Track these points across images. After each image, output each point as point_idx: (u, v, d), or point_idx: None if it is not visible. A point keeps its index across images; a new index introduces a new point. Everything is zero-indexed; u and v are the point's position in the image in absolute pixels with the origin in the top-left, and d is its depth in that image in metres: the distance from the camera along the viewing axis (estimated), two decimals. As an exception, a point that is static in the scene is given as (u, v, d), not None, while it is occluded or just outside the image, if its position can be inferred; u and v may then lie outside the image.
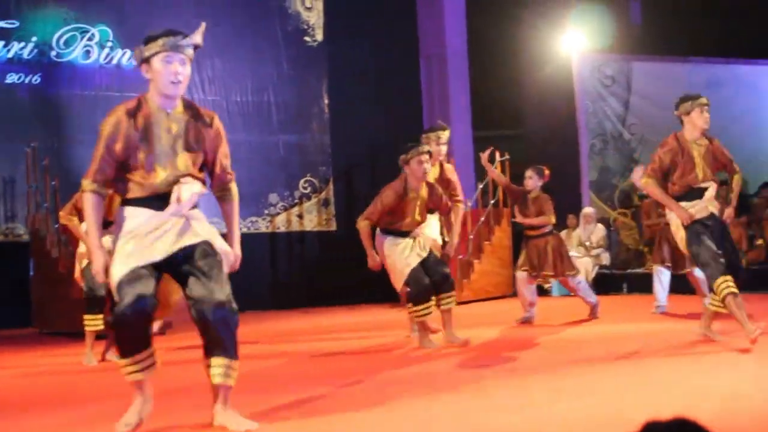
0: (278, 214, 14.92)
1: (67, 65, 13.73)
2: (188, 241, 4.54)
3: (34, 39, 13.55)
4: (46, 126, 13.44)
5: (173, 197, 4.51)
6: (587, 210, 15.23)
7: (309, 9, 15.49)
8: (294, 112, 15.24)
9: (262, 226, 14.73)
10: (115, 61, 13.90)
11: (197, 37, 4.66)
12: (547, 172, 10.18)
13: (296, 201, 15.11)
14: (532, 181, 10.08)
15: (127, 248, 4.47)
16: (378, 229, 8.12)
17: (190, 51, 4.63)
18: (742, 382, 5.31)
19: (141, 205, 4.55)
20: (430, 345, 7.82)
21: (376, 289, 13.63)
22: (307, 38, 15.49)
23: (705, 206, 6.93)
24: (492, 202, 14.68)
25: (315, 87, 15.43)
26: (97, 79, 13.75)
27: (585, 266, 14.27)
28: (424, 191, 8.01)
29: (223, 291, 4.48)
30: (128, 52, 13.72)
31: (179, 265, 4.54)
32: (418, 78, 16.57)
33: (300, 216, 15.11)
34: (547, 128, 17.47)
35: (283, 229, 14.98)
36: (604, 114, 17.02)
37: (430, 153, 8.01)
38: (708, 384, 5.33)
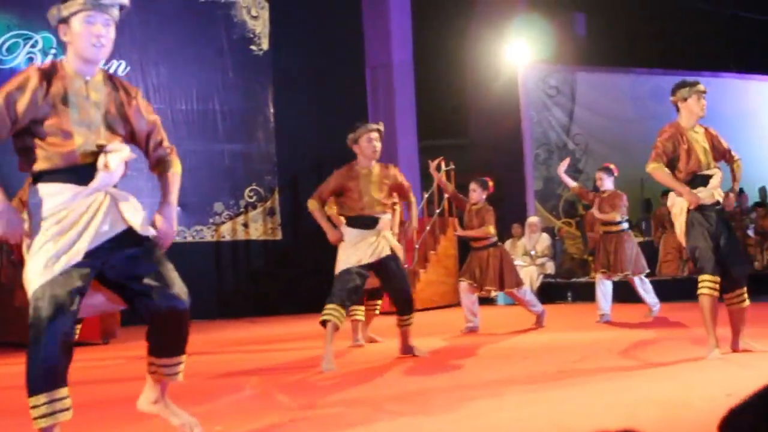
0: (223, 223, 14.85)
1: (10, 72, 13.53)
2: (118, 228, 4.02)
3: (-25, 45, 13.42)
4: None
5: (100, 163, 3.98)
6: (532, 219, 15.34)
7: (255, 18, 15.44)
8: (239, 121, 15.18)
9: (207, 235, 14.65)
10: (58, 69, 13.76)
11: None
12: (490, 183, 10.24)
13: (241, 210, 15.04)
14: (477, 194, 10.13)
15: (50, 245, 3.86)
16: (344, 222, 7.73)
17: (115, 11, 4.10)
18: (685, 390, 5.36)
19: (59, 180, 3.96)
20: (329, 366, 7.11)
21: (321, 297, 13.60)
22: (252, 47, 15.44)
23: (711, 193, 6.70)
24: (438, 211, 14.75)
25: (261, 96, 15.38)
26: (40, 86, 13.58)
27: (530, 275, 14.36)
28: (377, 169, 7.68)
29: (176, 283, 4.09)
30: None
31: (114, 260, 4.00)
32: (365, 88, 16.59)
33: (245, 225, 15.04)
34: (493, 138, 17.59)
35: (228, 238, 14.90)
36: (549, 124, 17.17)
37: (380, 131, 7.65)
38: (651, 392, 5.37)
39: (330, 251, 7.78)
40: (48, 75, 4.01)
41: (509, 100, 17.10)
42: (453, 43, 18.24)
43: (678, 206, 6.78)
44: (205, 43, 14.96)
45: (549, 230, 15.96)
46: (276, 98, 15.40)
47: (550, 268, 14.95)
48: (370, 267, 7.54)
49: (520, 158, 16.83)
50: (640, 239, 15.22)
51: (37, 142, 3.97)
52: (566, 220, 16.88)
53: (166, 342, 4.22)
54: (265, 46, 15.52)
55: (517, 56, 17.07)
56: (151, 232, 4.15)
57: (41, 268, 3.84)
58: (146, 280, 4.02)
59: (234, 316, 13.79)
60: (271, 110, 15.37)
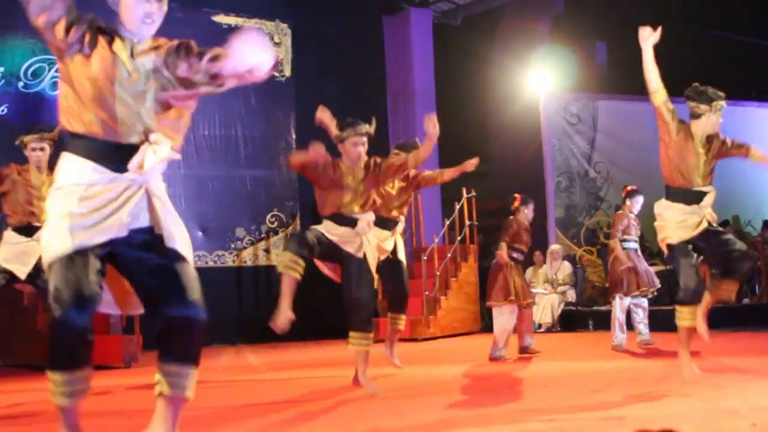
0: (245, 248, 14.88)
1: (35, 96, 13.64)
2: (144, 221, 3.75)
3: (1, 70, 13.47)
4: (14, 157, 13.30)
5: (134, 163, 3.70)
6: (554, 247, 15.32)
7: (277, 44, 15.54)
8: (262, 147, 15.24)
9: (229, 260, 14.68)
10: (82, 94, 13.83)
11: None
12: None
13: (263, 235, 15.08)
14: (530, 212, 10.21)
15: (68, 219, 3.62)
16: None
17: None
18: (708, 420, 5.32)
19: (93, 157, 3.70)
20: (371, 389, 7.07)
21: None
22: (275, 73, 15.52)
23: (701, 218, 6.64)
24: (459, 238, 14.74)
25: (283, 122, 15.45)
26: (64, 111, 13.65)
27: (551, 303, 14.35)
28: (360, 169, 7.40)
29: (193, 289, 3.72)
30: (96, 85, 13.72)
31: (131, 251, 3.74)
32: (386, 114, 16.64)
33: (267, 250, 15.08)
34: (514, 165, 17.58)
35: (249, 263, 14.93)
36: (570, 152, 17.16)
37: (369, 135, 7.54)
38: (674, 423, 5.34)
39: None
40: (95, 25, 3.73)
41: (531, 128, 17.11)
42: (475, 70, 18.27)
43: (667, 218, 6.76)
44: (228, 69, 15.02)
45: (570, 258, 15.93)
46: (298, 124, 15.46)
47: (572, 296, 14.92)
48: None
49: (541, 186, 16.81)
50: (662, 267, 15.14)
51: (74, 89, 3.72)
52: (587, 248, 16.85)
53: (178, 347, 3.74)
54: (287, 72, 15.61)
55: (539, 84, 17.09)
56: (176, 245, 3.78)
57: (60, 239, 3.63)
58: (159, 283, 3.72)
59: (254, 342, 13.78)
60: (293, 136, 15.44)
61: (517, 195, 10.27)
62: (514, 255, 10.03)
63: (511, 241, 9.98)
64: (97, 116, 3.67)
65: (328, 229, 7.24)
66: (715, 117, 6.86)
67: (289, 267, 7.15)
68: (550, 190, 16.88)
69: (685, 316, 6.60)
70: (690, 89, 7.10)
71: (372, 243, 7.33)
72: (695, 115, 6.92)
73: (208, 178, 14.55)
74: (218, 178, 14.63)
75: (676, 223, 6.70)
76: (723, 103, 6.89)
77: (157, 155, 3.71)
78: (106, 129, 3.68)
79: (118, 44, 3.73)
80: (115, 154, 3.68)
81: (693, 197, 6.73)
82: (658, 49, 6.81)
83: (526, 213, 10.15)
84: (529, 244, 10.27)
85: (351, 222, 7.21)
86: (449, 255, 14.48)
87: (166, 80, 3.80)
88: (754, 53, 18.63)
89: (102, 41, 3.72)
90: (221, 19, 15.04)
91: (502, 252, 9.88)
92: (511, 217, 10.14)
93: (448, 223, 14.89)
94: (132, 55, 3.74)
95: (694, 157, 6.72)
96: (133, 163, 3.68)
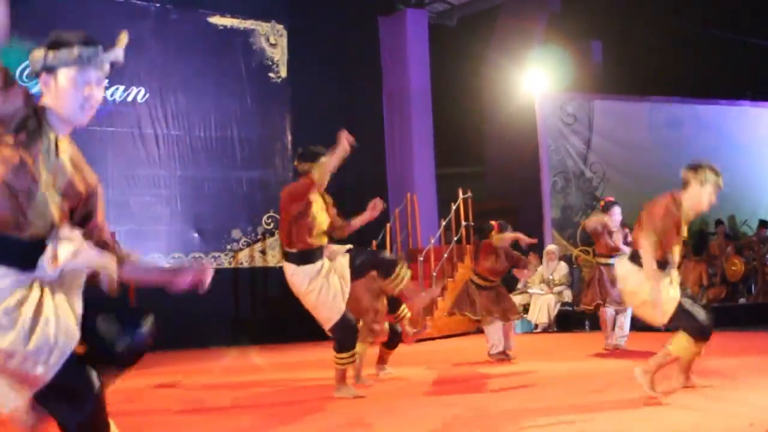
0: (241, 249, 14.87)
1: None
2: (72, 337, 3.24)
3: (-4, 72, 13.46)
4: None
5: (48, 255, 3.24)
6: (550, 247, 15.32)
7: (273, 45, 15.52)
8: (257, 148, 15.23)
9: (225, 261, 14.67)
10: (78, 96, 13.80)
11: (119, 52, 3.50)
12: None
13: (259, 237, 15.06)
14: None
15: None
16: (285, 261, 7.64)
17: (107, 67, 3.50)
18: (706, 419, 5.32)
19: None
20: (348, 393, 7.30)
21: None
22: (271, 74, 15.51)
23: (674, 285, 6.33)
24: (455, 239, 14.73)
25: (278, 123, 15.44)
26: (60, 113, 13.62)
27: (548, 303, 14.34)
28: (319, 195, 7.58)
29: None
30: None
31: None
32: (381, 114, 16.63)
33: (263, 252, 15.06)
34: (510, 166, 17.60)
35: (245, 264, 14.92)
36: (566, 152, 17.15)
37: None
38: (673, 423, 5.34)
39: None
40: (32, 105, 3.37)
41: (526, 128, 17.10)
42: (470, 70, 18.29)
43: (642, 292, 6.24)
44: (223, 70, 15.03)
45: (566, 258, 15.93)
46: (293, 125, 15.46)
47: (568, 296, 14.91)
48: None
49: (537, 186, 16.82)
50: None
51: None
52: (583, 248, 16.84)
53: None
54: (283, 73, 15.60)
55: (535, 84, 17.10)
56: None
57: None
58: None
59: (250, 343, 13.75)
60: (289, 137, 15.43)
61: (494, 222, 9.86)
62: (476, 281, 9.79)
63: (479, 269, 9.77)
64: (11, 202, 3.21)
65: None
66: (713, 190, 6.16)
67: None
68: (546, 190, 16.87)
69: (695, 348, 6.36)
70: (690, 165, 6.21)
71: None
72: (698, 183, 6.13)
73: (204, 180, 14.54)
74: (214, 180, 14.62)
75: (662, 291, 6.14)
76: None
77: (65, 248, 3.26)
78: (18, 220, 3.22)
79: (45, 134, 3.36)
80: (22, 252, 3.22)
81: (664, 263, 6.23)
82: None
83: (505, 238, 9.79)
84: (504, 274, 9.99)
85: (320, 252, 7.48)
86: (445, 255, 14.46)
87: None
88: (750, 53, 18.65)
89: (37, 127, 3.35)
90: (217, 20, 15.03)
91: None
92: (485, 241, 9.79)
93: (444, 223, 14.89)
94: (56, 153, 3.37)
95: (679, 236, 6.23)
96: (46, 257, 3.22)
